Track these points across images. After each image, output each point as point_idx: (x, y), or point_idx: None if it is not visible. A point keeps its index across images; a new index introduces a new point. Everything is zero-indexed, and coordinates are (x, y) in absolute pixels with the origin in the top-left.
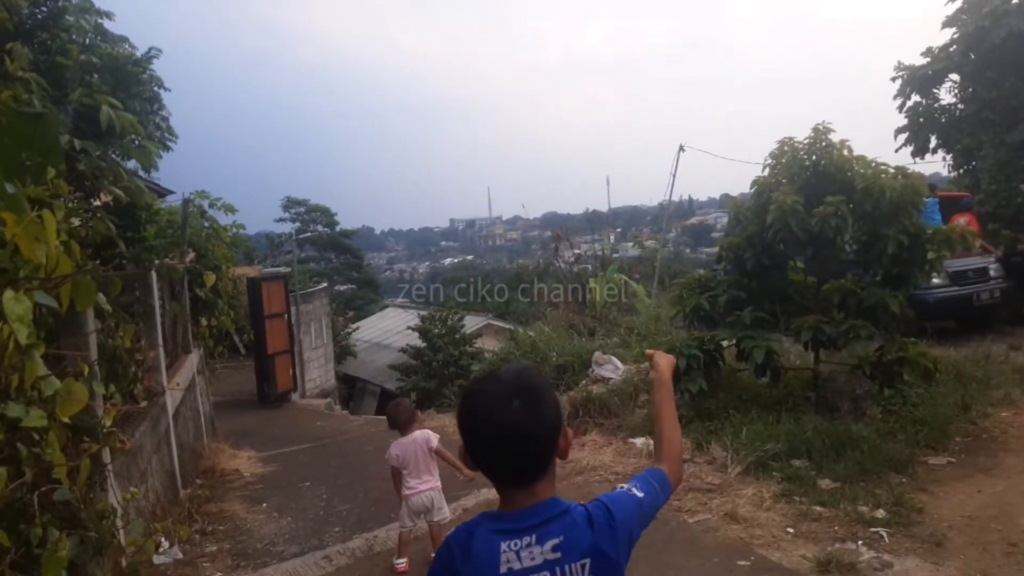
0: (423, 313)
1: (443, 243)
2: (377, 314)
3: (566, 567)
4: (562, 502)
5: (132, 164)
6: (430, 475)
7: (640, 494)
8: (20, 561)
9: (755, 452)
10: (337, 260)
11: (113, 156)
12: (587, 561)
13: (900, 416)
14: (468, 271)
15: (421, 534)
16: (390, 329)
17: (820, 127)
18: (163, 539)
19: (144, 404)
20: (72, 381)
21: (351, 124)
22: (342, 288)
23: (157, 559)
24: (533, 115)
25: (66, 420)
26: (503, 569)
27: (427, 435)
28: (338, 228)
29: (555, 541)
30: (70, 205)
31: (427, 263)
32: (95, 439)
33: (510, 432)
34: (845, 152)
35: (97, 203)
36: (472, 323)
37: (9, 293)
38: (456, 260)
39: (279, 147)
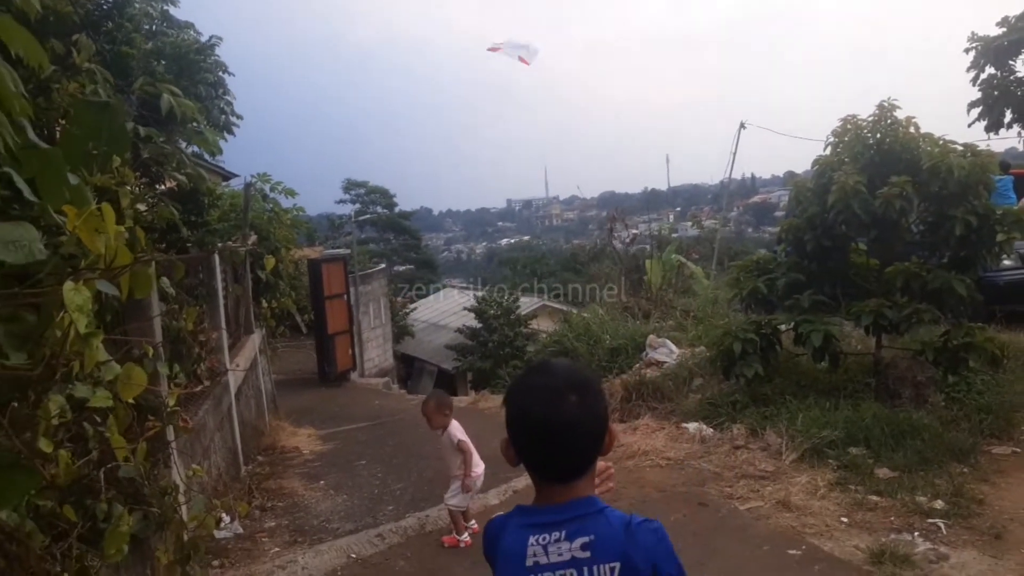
0: (479, 294)
1: (500, 223)
2: (435, 294)
3: (594, 568)
4: (599, 502)
5: (195, 149)
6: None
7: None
8: (87, 535)
9: (811, 439)
10: (396, 241)
11: (177, 142)
12: (617, 565)
13: (964, 404)
14: (525, 251)
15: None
16: (447, 310)
17: (885, 104)
18: (224, 515)
19: (207, 384)
20: (132, 365)
21: (409, 105)
22: (400, 269)
23: (218, 534)
24: (591, 93)
25: (130, 401)
26: (529, 563)
27: (452, 432)
28: (397, 209)
29: (585, 539)
30: (136, 192)
31: (484, 243)
32: (159, 418)
33: (564, 427)
34: (911, 130)
35: (161, 189)
36: (527, 304)
37: (68, 284)
38: (513, 240)
39: (339, 129)
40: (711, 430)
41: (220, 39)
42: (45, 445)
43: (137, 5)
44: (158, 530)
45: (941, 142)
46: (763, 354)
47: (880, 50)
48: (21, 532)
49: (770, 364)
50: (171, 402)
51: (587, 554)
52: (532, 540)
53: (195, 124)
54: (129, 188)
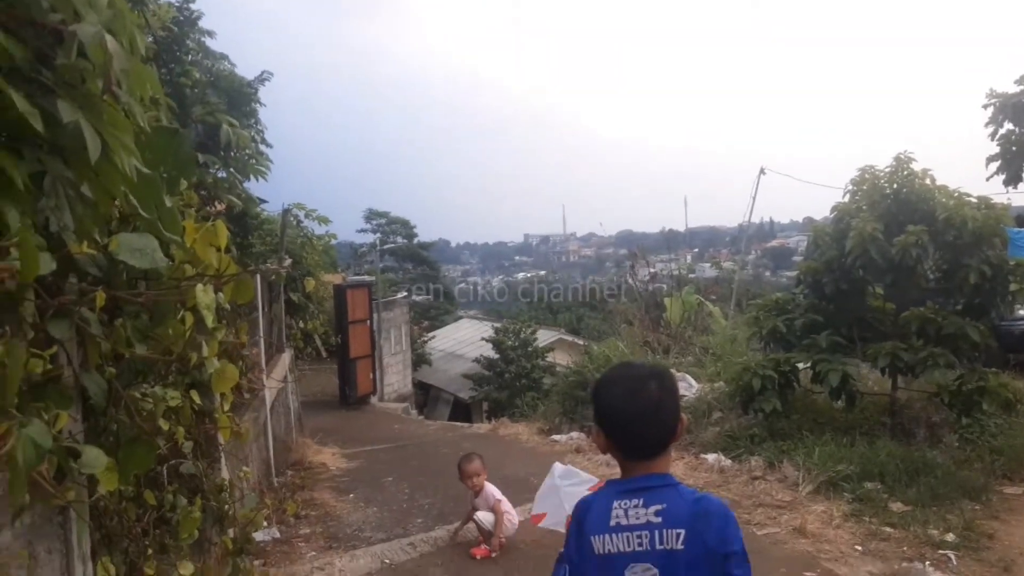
0: (497, 325)
1: (517, 258)
2: (451, 324)
3: (664, 531)
4: (671, 478)
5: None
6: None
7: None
8: (157, 521)
9: (827, 472)
10: (414, 271)
11: (230, 168)
12: (683, 532)
13: (977, 445)
14: (541, 286)
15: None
16: (464, 340)
17: (902, 156)
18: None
19: (248, 396)
20: (227, 363)
21: (431, 139)
22: (418, 298)
23: (257, 536)
24: (611, 132)
25: (196, 402)
26: (612, 523)
27: (489, 494)
28: (416, 240)
29: (659, 507)
30: (198, 213)
31: (500, 277)
32: (213, 421)
33: (648, 408)
34: (927, 181)
35: (214, 210)
36: (545, 337)
37: (200, 286)
38: (529, 275)
39: (362, 160)
40: (729, 461)
41: (271, 74)
42: (163, 424)
43: (190, 42)
44: (215, 523)
45: (956, 194)
46: (781, 390)
47: (900, 102)
48: (116, 507)
49: (788, 400)
50: (225, 407)
51: (659, 520)
52: (616, 504)
53: (247, 152)
54: (194, 209)
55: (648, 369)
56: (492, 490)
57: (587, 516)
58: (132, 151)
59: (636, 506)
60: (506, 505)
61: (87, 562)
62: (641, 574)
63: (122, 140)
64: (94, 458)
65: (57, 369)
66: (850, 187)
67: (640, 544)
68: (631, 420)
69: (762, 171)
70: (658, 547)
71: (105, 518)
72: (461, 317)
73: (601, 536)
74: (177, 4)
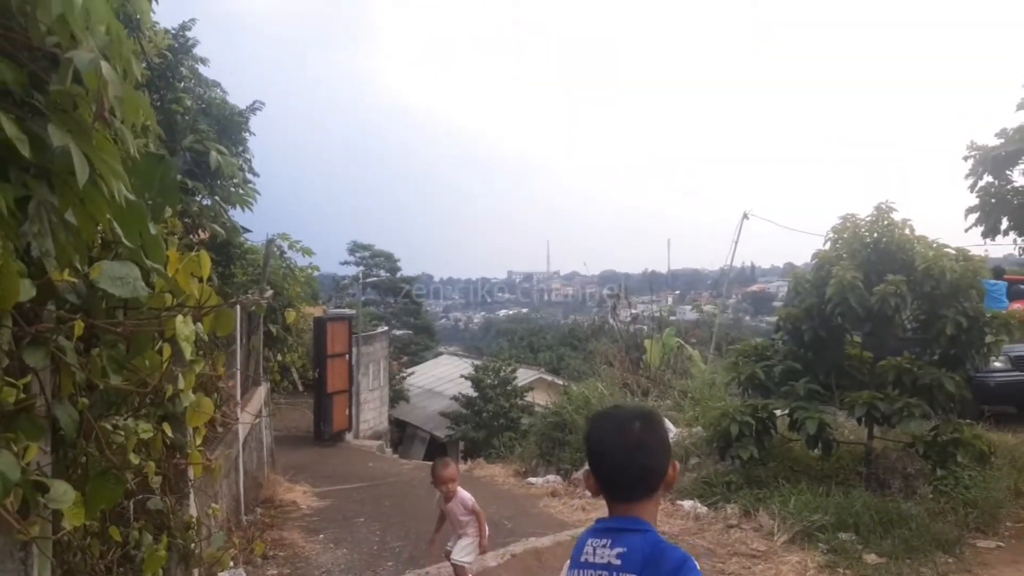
0: (476, 362)
1: (499, 294)
2: (431, 360)
3: (618, 575)
4: (645, 524)
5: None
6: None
7: None
8: (120, 558)
9: (802, 522)
10: (396, 305)
11: (216, 197)
12: None
13: (951, 497)
14: (522, 323)
15: None
16: (443, 376)
17: (883, 206)
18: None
19: (221, 430)
20: (202, 395)
21: (416, 174)
22: (399, 333)
23: None
24: (596, 173)
25: (168, 435)
26: (581, 558)
27: (463, 499)
28: (399, 274)
29: (621, 549)
30: (181, 241)
31: (482, 313)
32: (183, 456)
33: (630, 448)
34: (907, 231)
35: (197, 239)
36: (524, 376)
37: (179, 318)
38: (511, 312)
39: (346, 193)
40: (705, 508)
41: (263, 104)
42: (134, 458)
43: (183, 69)
44: (181, 561)
45: (935, 245)
46: (758, 437)
47: (882, 153)
48: (80, 543)
49: (765, 447)
50: (197, 441)
51: (619, 562)
52: (590, 541)
53: (234, 181)
54: (177, 237)
55: (635, 410)
56: (465, 495)
57: (575, 550)
58: (121, 176)
59: (604, 545)
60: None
61: None
62: None
63: (111, 166)
64: (62, 493)
65: (30, 398)
66: (831, 235)
67: None
68: (610, 457)
69: (745, 215)
70: None
71: (68, 554)
72: (441, 353)
73: (574, 570)
74: (173, 31)
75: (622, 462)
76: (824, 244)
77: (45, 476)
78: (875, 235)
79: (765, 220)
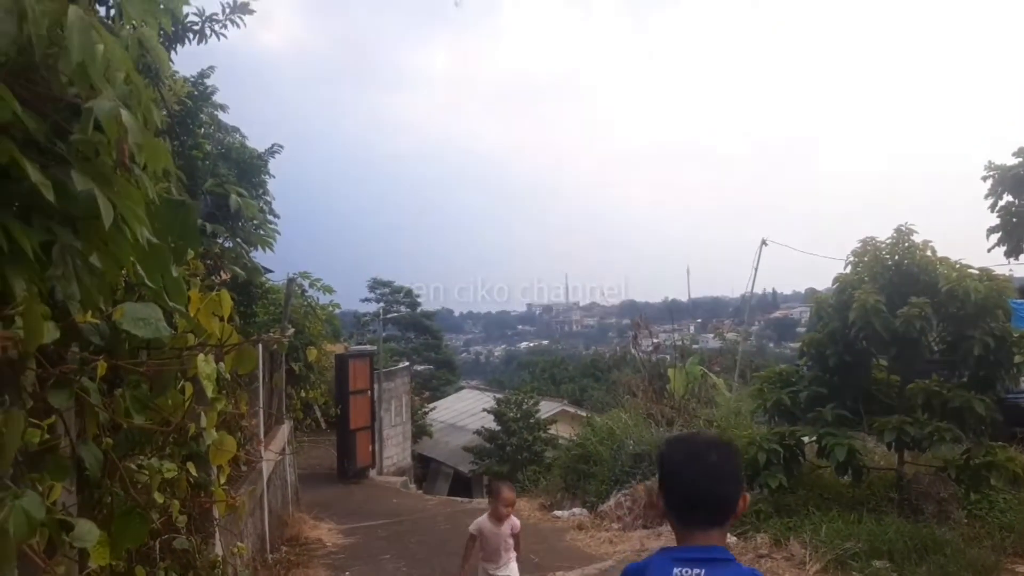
0: (498, 396)
1: (519, 327)
2: (453, 395)
3: None
4: (730, 554)
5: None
6: (507, 551)
7: None
8: None
9: (835, 550)
10: (417, 340)
11: (237, 238)
12: None
13: (986, 521)
14: (543, 355)
15: None
16: (465, 411)
17: (903, 228)
18: None
19: (245, 469)
20: (225, 433)
21: (435, 207)
22: (420, 368)
23: None
24: (612, 203)
25: (192, 474)
26: None
27: (514, 523)
28: (419, 309)
29: None
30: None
31: (503, 346)
32: (208, 495)
33: (709, 473)
34: (928, 253)
35: (217, 280)
36: (547, 408)
37: (201, 357)
38: (532, 344)
39: (365, 231)
40: (735, 538)
41: (281, 147)
42: (158, 497)
43: (203, 116)
44: None
45: (958, 266)
46: (787, 465)
47: (900, 173)
48: None
49: (793, 475)
50: (222, 480)
51: None
52: (677, 571)
53: (255, 222)
54: (199, 279)
55: (715, 438)
56: (515, 519)
57: None
58: (143, 220)
59: (698, 574)
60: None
61: None
62: None
63: (133, 210)
64: (87, 531)
65: (55, 439)
66: (851, 258)
67: None
68: (692, 483)
69: (764, 242)
70: None
71: None
72: (463, 387)
73: None
74: (192, 80)
75: (704, 488)
76: (845, 268)
77: (70, 515)
78: (896, 257)
79: (785, 246)
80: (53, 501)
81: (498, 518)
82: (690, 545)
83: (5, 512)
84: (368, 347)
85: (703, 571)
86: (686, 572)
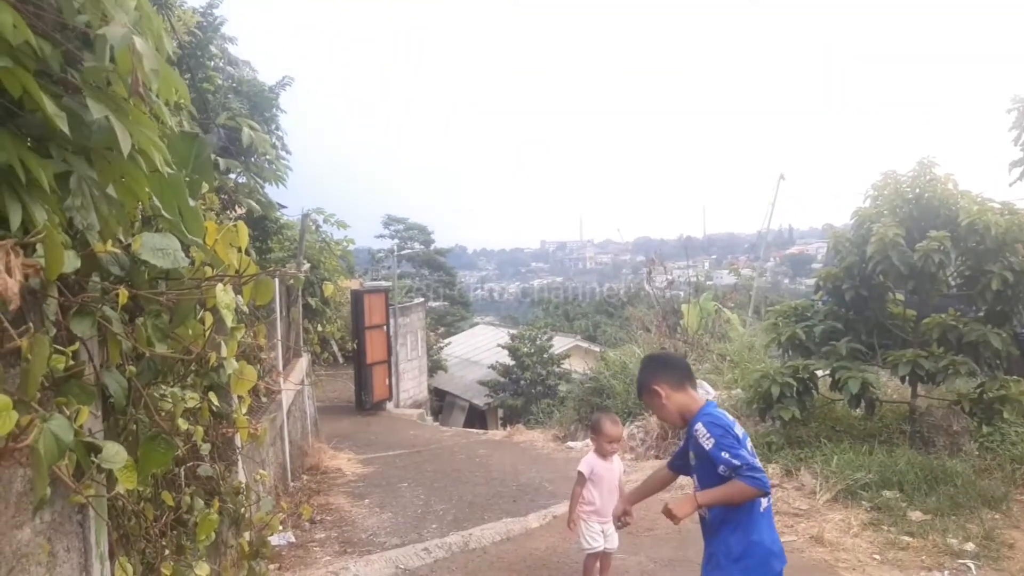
0: (512, 332)
1: (533, 264)
2: (467, 331)
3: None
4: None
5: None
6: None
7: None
8: (173, 523)
9: (845, 480)
10: (431, 277)
11: (251, 172)
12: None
13: (998, 453)
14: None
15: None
16: (479, 346)
17: (925, 161)
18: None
19: (264, 400)
20: (245, 363)
21: (448, 144)
22: (435, 304)
23: (273, 540)
24: (628, 138)
25: (214, 404)
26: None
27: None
28: (433, 246)
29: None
30: (218, 217)
31: (517, 283)
32: (230, 423)
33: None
34: (949, 186)
35: (232, 215)
36: (561, 344)
37: (220, 286)
38: (546, 281)
39: (379, 166)
40: None
41: (292, 79)
42: (182, 423)
43: (213, 48)
44: (232, 525)
45: (979, 199)
46: (799, 398)
47: (924, 107)
48: (135, 507)
49: (806, 408)
50: (242, 410)
51: None
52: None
53: (267, 157)
54: (214, 213)
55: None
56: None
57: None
58: (160, 148)
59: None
60: None
61: (105, 561)
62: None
63: (150, 138)
64: (114, 453)
65: (79, 366)
66: (871, 192)
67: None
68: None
69: (782, 176)
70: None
71: (123, 518)
72: (477, 323)
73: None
74: (201, 10)
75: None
76: (864, 202)
77: (96, 440)
78: (917, 191)
79: (803, 181)
80: (80, 424)
81: (603, 456)
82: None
83: (35, 433)
84: (383, 283)
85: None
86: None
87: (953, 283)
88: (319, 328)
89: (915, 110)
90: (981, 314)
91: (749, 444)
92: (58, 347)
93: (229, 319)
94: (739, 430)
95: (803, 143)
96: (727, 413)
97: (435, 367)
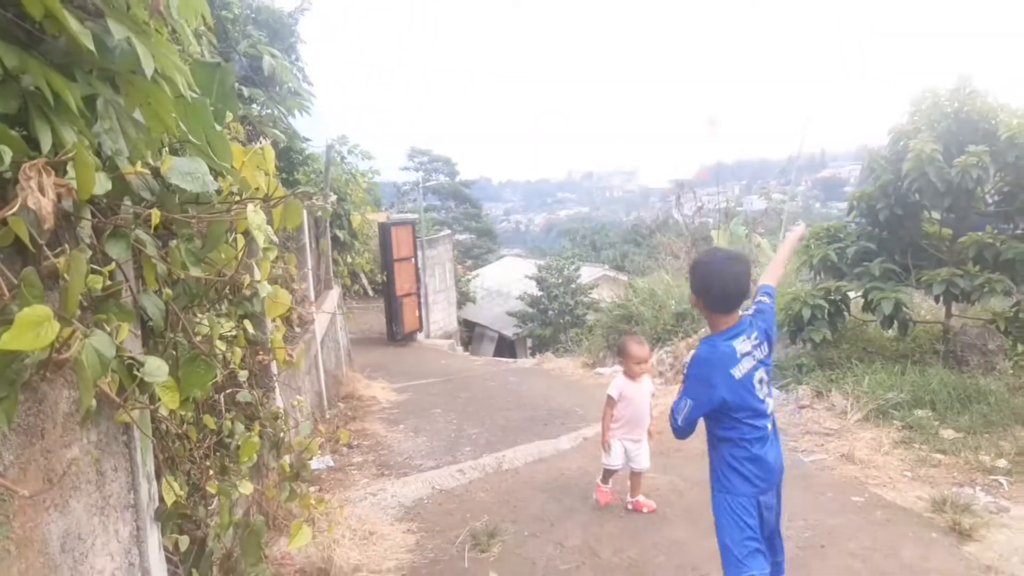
0: (540, 263)
1: (560, 194)
2: (495, 263)
3: (759, 348)
4: (743, 316)
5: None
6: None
7: (770, 302)
8: (215, 446)
9: (876, 400)
10: (457, 209)
11: (274, 102)
12: (763, 342)
13: None
14: (584, 223)
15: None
16: (507, 278)
17: (964, 74)
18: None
19: (298, 330)
20: (279, 287)
21: (472, 75)
22: (461, 237)
23: (312, 464)
24: (653, 63)
25: (250, 331)
26: (738, 355)
27: (651, 386)
28: (458, 178)
29: (753, 333)
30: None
31: (543, 214)
32: (265, 351)
33: (743, 271)
34: (990, 99)
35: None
36: (588, 274)
37: (251, 207)
38: (572, 212)
39: (403, 97)
40: (776, 390)
41: (310, 3)
42: (220, 345)
43: None
44: (272, 449)
45: (1020, 112)
46: (831, 319)
47: (959, 30)
48: (178, 430)
49: (838, 329)
50: (278, 337)
51: (757, 342)
52: (734, 343)
53: (289, 86)
54: (240, 142)
55: (734, 251)
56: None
57: (716, 354)
58: (183, 71)
59: (744, 340)
60: None
61: (152, 481)
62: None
63: (172, 61)
64: (156, 367)
65: (116, 286)
66: (909, 108)
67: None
68: (732, 280)
69: (813, 98)
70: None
71: (168, 441)
72: (504, 256)
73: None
74: None
75: (743, 283)
76: (901, 118)
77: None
78: (956, 104)
79: (836, 102)
80: (121, 342)
81: (632, 377)
82: (730, 327)
83: (77, 347)
84: (409, 215)
85: (743, 336)
86: (739, 343)
87: (991, 200)
88: (348, 260)
89: (955, 22)
90: (1020, 231)
91: (757, 376)
92: (95, 267)
93: (261, 239)
94: (739, 369)
95: (836, 67)
96: (735, 344)
97: (464, 299)
